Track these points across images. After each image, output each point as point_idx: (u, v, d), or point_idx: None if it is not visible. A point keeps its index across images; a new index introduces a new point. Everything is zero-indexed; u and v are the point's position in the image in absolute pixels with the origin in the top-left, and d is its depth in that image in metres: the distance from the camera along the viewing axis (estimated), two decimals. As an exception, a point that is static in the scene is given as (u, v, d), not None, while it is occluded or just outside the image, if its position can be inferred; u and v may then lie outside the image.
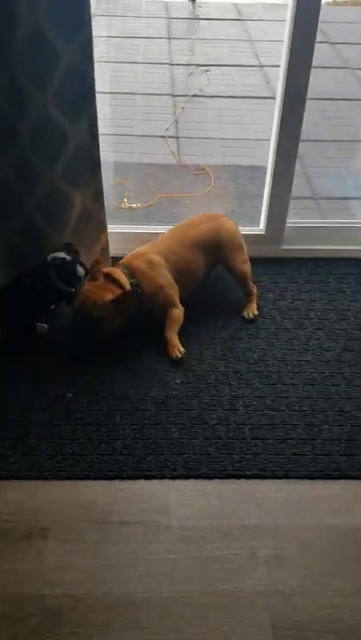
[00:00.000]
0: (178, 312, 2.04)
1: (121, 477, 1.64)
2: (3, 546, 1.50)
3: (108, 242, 2.20)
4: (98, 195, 2.05)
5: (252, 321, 2.13)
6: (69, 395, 1.86)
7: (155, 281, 2.01)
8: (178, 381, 1.91)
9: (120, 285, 1.94)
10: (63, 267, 1.95)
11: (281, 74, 2.09)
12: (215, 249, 2.14)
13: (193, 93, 3.97)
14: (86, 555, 1.48)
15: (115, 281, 1.94)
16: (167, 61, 4.39)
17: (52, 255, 1.96)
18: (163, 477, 1.65)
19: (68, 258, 1.95)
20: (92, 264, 1.98)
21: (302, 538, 1.53)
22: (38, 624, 1.36)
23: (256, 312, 2.15)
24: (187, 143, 3.51)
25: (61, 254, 1.96)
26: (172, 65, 4.35)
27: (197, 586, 1.43)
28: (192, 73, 4.23)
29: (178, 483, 1.64)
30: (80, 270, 1.96)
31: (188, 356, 1.99)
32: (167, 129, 3.57)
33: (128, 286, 1.94)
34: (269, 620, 1.37)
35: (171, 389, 1.89)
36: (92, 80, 1.80)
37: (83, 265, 1.98)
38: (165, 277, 2.03)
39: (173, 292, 2.04)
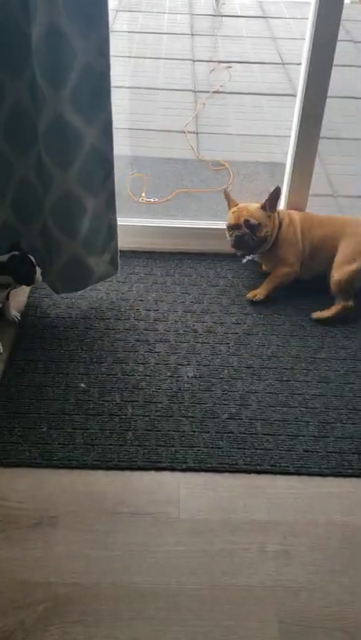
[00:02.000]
0: (288, 271, 2.19)
1: (131, 468, 1.64)
2: (12, 533, 1.50)
3: (117, 249, 2.12)
4: (110, 200, 1.98)
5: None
6: (82, 385, 1.86)
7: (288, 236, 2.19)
8: (190, 375, 1.91)
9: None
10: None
11: (302, 70, 2.08)
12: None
13: (214, 90, 3.96)
14: (95, 544, 1.49)
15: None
16: (189, 57, 4.38)
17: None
18: (173, 470, 1.65)
19: (16, 253, 1.89)
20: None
21: (312, 534, 1.52)
22: (45, 611, 1.36)
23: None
24: (206, 139, 3.51)
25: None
26: (195, 61, 4.35)
27: (205, 579, 1.43)
28: (214, 69, 4.22)
29: (188, 475, 1.64)
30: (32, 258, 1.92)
31: (201, 350, 1.99)
32: (187, 124, 3.57)
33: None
34: (276, 616, 1.37)
35: (183, 382, 1.88)
36: (108, 79, 1.76)
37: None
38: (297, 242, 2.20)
39: (295, 255, 2.19)
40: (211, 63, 4.31)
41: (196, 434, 1.73)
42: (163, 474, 1.64)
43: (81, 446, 1.69)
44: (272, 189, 2.16)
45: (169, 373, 1.92)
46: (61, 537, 1.50)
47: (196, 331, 2.07)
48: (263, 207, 2.16)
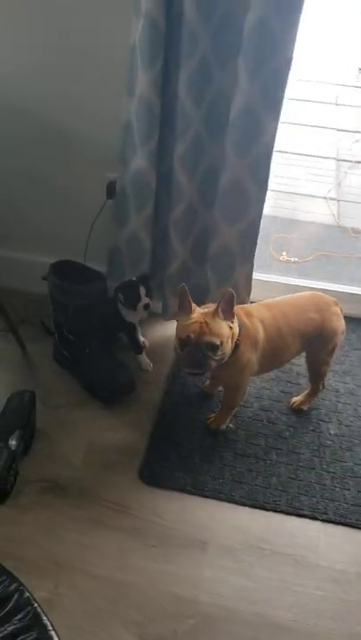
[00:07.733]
0: (238, 399, 1.99)
1: (275, 510, 1.78)
2: (166, 549, 1.67)
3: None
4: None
5: (297, 410, 2.10)
6: (230, 425, 2.03)
7: (243, 355, 1.83)
8: (332, 432, 2.03)
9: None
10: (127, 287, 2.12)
11: None
12: (312, 341, 1.97)
13: (357, 159, 4.13)
14: (240, 574, 1.63)
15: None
16: (334, 127, 4.58)
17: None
18: (314, 518, 1.77)
19: (134, 279, 2.13)
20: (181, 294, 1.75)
21: None
22: (195, 625, 1.51)
23: (306, 408, 2.10)
24: (347, 206, 3.66)
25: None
26: (339, 130, 4.54)
27: (343, 626, 1.53)
28: (358, 140, 4.40)
29: (328, 526, 1.75)
30: (142, 289, 2.09)
31: (343, 410, 2.10)
32: (329, 191, 3.74)
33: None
34: None
35: (325, 438, 2.01)
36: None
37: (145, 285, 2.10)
38: (251, 361, 1.87)
39: (247, 377, 1.93)
40: (355, 134, 4.49)
41: (338, 489, 1.85)
42: (303, 520, 1.77)
43: (229, 482, 1.84)
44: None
45: (311, 427, 2.05)
46: (210, 561, 1.65)
47: (337, 390, 2.19)
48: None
